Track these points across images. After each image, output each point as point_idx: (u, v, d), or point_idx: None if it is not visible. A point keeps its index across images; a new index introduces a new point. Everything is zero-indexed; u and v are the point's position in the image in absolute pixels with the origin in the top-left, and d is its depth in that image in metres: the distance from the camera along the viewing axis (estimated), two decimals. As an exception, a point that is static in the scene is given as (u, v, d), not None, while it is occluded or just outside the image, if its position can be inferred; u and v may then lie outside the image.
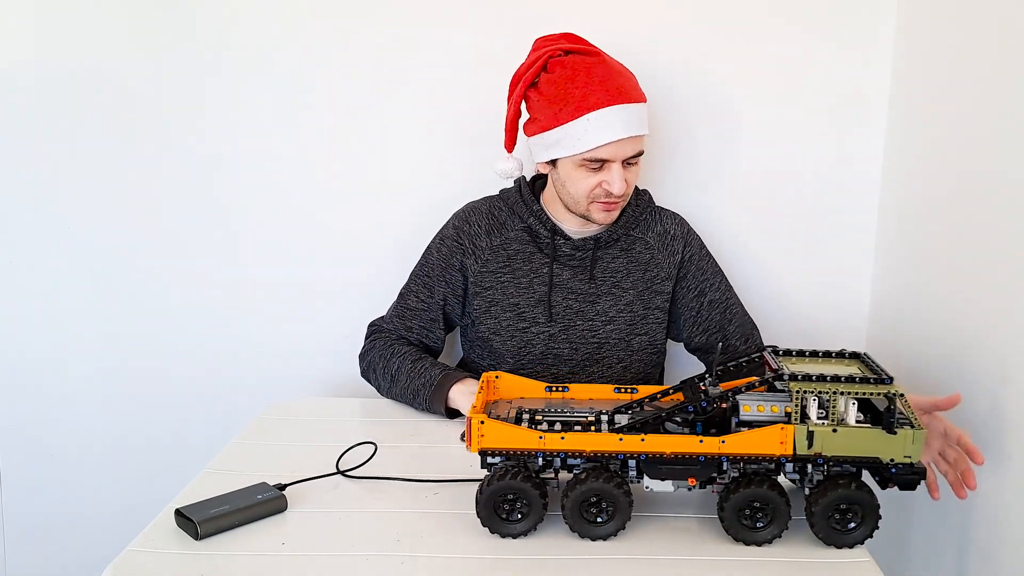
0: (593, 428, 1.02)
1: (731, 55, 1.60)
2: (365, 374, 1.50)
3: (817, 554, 0.97)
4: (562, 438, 0.98)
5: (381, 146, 1.66)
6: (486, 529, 0.99)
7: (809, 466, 0.98)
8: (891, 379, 0.96)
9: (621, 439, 0.97)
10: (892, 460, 0.96)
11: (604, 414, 1.05)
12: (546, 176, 1.46)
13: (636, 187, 1.49)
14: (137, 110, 1.64)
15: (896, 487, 0.97)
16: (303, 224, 1.69)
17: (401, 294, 1.52)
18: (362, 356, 1.51)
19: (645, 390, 1.12)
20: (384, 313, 1.54)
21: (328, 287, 1.71)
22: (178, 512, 1.00)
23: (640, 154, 1.35)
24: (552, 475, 1.02)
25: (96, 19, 1.61)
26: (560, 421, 1.03)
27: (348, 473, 1.15)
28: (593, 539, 0.98)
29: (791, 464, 0.98)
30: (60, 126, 1.65)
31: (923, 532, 1.45)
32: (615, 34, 1.49)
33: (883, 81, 1.60)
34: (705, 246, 1.52)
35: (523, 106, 1.39)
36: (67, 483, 1.79)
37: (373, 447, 1.20)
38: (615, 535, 0.99)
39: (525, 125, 1.40)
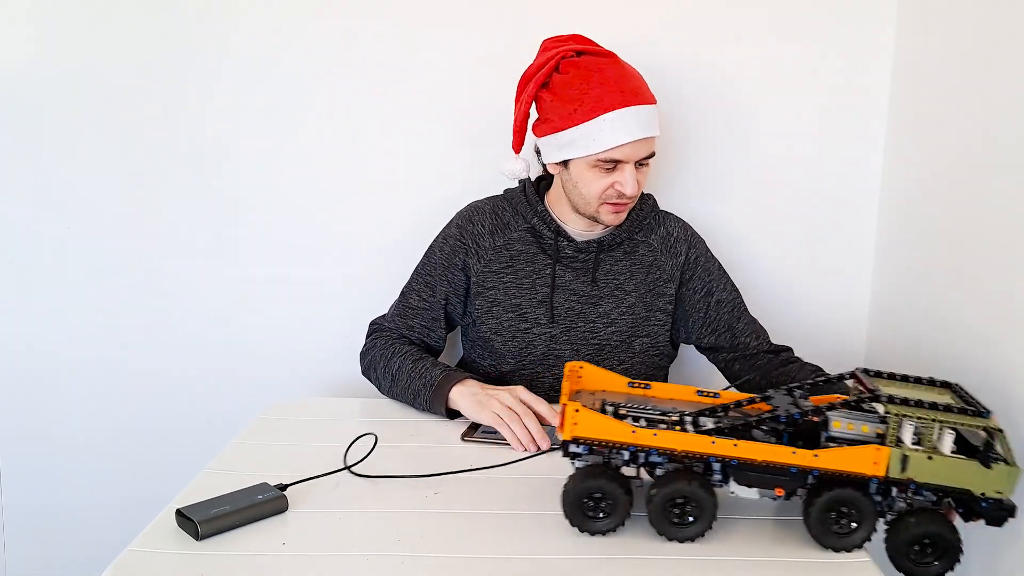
0: (678, 428, 1.01)
1: (729, 56, 1.60)
2: (366, 372, 1.50)
3: (817, 554, 0.97)
4: (654, 435, 0.97)
5: (382, 146, 1.66)
6: (570, 527, 0.99)
7: (893, 490, 0.97)
8: (988, 412, 0.96)
9: (714, 442, 0.97)
10: (983, 494, 0.95)
11: (688, 415, 1.05)
12: (551, 177, 1.46)
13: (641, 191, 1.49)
14: (138, 110, 1.65)
15: (982, 521, 0.97)
16: (303, 224, 1.69)
17: (403, 292, 1.52)
18: (363, 355, 1.51)
19: (728, 396, 1.12)
20: (385, 312, 1.54)
21: (328, 287, 1.71)
22: (179, 512, 1.00)
23: (651, 155, 1.36)
24: (634, 473, 1.02)
25: (97, 19, 1.61)
26: (645, 418, 1.03)
27: (353, 469, 1.15)
28: (678, 541, 0.98)
29: (876, 485, 0.97)
30: (61, 125, 1.65)
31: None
32: (614, 35, 1.49)
33: (883, 81, 1.60)
34: (709, 248, 1.52)
35: (532, 107, 1.39)
36: (67, 483, 1.79)
37: (374, 438, 1.21)
38: (695, 539, 0.98)
39: (535, 126, 1.40)
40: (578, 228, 1.44)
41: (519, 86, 1.39)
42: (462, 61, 1.62)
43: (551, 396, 1.44)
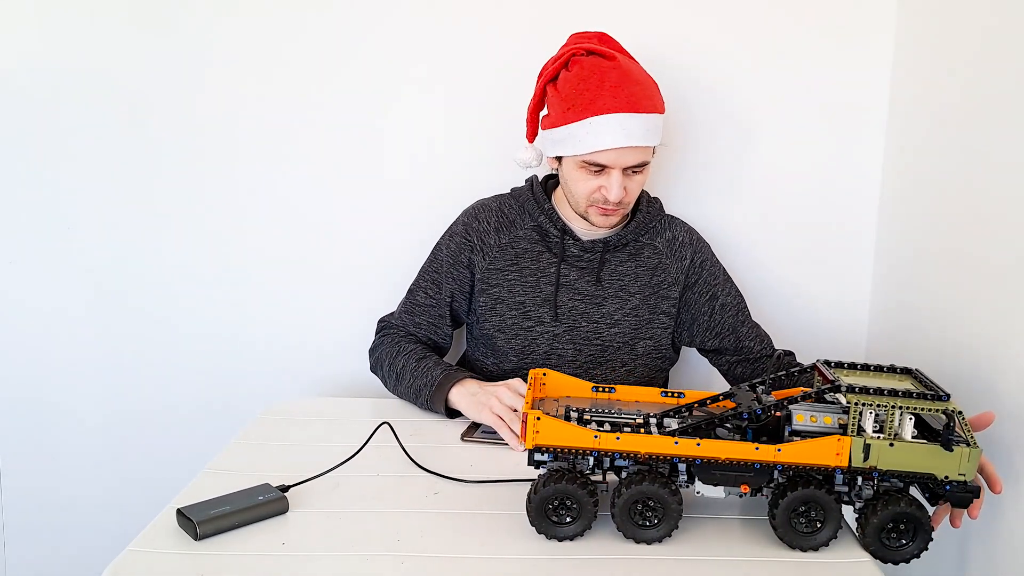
0: (642, 430, 1.01)
1: (732, 60, 1.60)
2: (373, 369, 1.51)
3: (817, 554, 0.97)
4: (617, 438, 0.97)
5: (386, 146, 1.65)
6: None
7: (859, 479, 0.97)
8: (948, 396, 0.96)
9: (677, 442, 0.97)
10: (947, 477, 0.96)
11: (652, 417, 1.05)
12: (558, 176, 1.46)
13: (647, 194, 1.49)
14: (140, 109, 1.64)
15: (948, 504, 0.98)
16: (305, 224, 1.69)
17: (410, 290, 1.52)
18: (371, 352, 1.52)
19: (692, 395, 1.12)
20: (392, 310, 1.55)
21: (329, 287, 1.71)
22: (179, 512, 1.00)
23: (644, 164, 1.35)
24: (600, 477, 1.02)
25: (99, 18, 1.61)
26: (609, 422, 1.03)
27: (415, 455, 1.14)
28: (644, 542, 0.98)
29: (842, 476, 0.97)
30: (62, 125, 1.65)
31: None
32: (613, 33, 1.49)
33: (883, 83, 1.60)
34: (713, 253, 1.53)
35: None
36: (67, 483, 1.79)
37: (387, 425, 1.24)
38: (663, 539, 0.98)
39: (542, 119, 1.41)
40: (584, 227, 1.44)
41: (537, 77, 1.40)
42: (473, 59, 1.61)
43: None
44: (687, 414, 1.07)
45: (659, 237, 1.48)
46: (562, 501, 0.98)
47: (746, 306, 1.52)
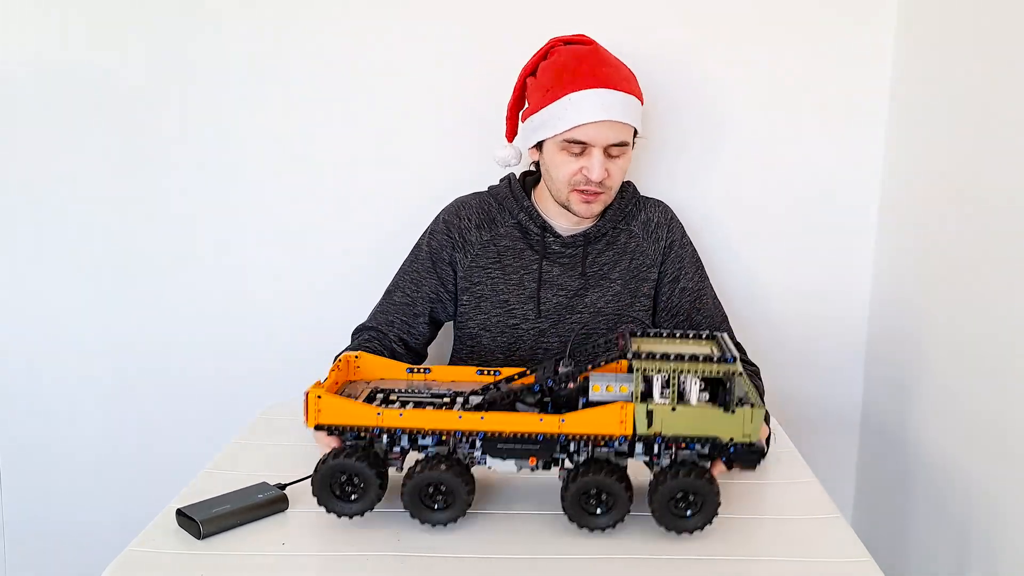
0: (445, 408, 1.00)
1: (732, 55, 1.61)
2: None
3: (817, 553, 0.97)
4: (400, 415, 0.96)
5: (384, 149, 1.66)
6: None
7: (656, 447, 0.96)
8: (735, 359, 0.94)
9: (460, 417, 0.96)
10: (731, 439, 0.95)
11: (461, 395, 1.04)
12: (537, 174, 1.46)
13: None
14: (137, 110, 1.64)
15: (739, 468, 0.97)
16: (304, 224, 1.69)
17: (387, 291, 1.50)
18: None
19: (508, 372, 1.10)
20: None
21: (328, 287, 1.71)
22: (179, 512, 1.00)
23: (624, 144, 1.34)
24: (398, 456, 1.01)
25: (97, 20, 1.61)
26: (414, 401, 1.02)
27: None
28: (433, 524, 0.98)
29: (641, 445, 0.97)
30: (61, 125, 1.65)
31: (923, 532, 1.45)
32: (617, 30, 1.49)
33: (883, 82, 1.60)
34: (687, 234, 1.51)
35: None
36: (67, 483, 1.79)
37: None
38: (455, 521, 0.98)
39: (521, 113, 1.41)
40: (564, 223, 1.44)
41: (518, 75, 1.41)
42: (459, 59, 1.61)
43: None
44: (495, 390, 1.05)
45: (634, 220, 1.47)
46: (349, 478, 0.96)
47: (708, 293, 1.48)
